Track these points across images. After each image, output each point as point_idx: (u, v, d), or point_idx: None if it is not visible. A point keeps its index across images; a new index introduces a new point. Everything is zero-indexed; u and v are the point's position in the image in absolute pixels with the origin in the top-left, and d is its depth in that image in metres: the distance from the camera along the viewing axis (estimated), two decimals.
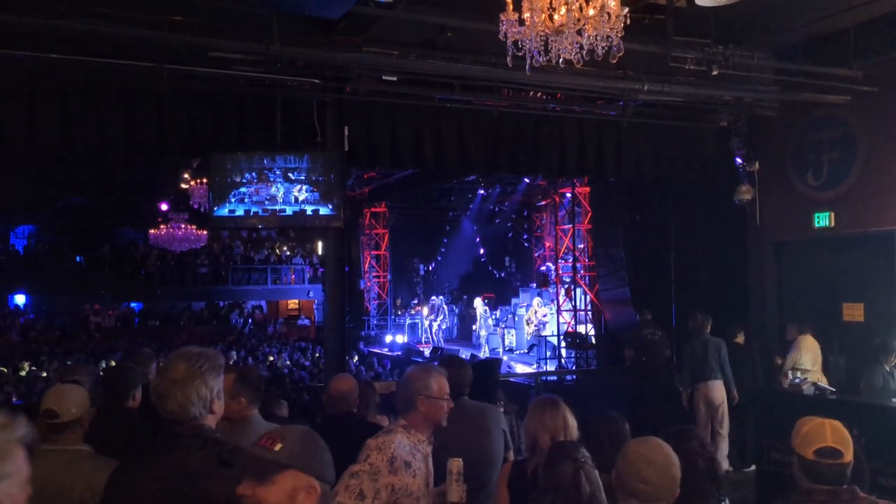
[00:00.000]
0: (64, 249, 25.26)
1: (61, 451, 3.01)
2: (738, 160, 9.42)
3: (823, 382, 7.76)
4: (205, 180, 13.86)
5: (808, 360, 8.35)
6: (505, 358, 15.65)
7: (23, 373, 14.15)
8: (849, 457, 2.69)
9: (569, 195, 16.14)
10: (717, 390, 8.45)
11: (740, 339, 9.03)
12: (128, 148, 7.60)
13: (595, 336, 14.88)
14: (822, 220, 9.12)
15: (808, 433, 2.74)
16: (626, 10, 3.97)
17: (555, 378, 12.37)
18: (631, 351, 10.22)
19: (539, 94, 8.92)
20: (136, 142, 7.54)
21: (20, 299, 24.36)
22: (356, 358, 16.11)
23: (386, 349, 19.41)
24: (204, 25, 6.52)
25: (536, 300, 17.05)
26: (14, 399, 10.44)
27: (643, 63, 7.68)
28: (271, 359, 17.29)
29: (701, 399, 8.53)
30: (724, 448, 8.30)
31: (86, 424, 3.16)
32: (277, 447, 1.84)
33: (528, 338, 16.70)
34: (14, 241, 26.24)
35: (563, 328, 15.68)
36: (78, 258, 25.17)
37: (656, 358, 9.86)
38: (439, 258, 23.44)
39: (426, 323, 19.77)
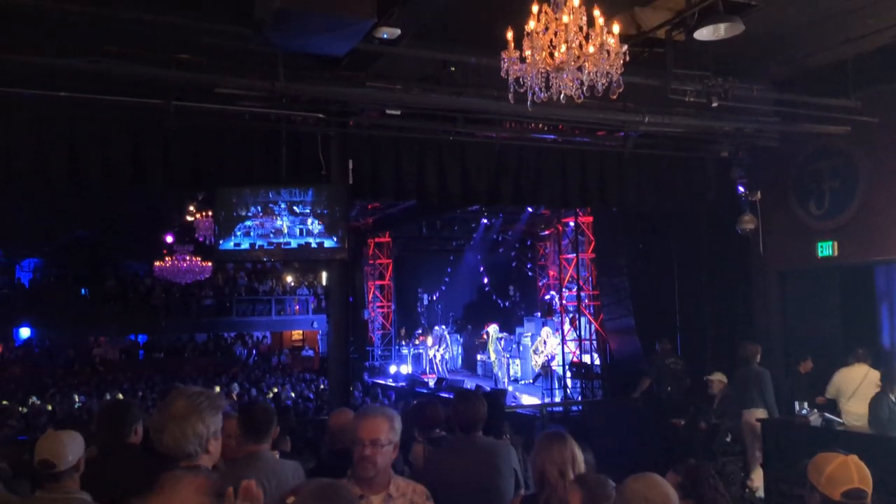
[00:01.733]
0: (69, 282, 25.34)
1: (59, 498, 2.96)
2: (740, 189, 9.47)
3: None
4: (210, 213, 13.96)
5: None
6: (510, 388, 15.59)
7: (25, 409, 14.12)
8: (870, 495, 2.69)
9: (572, 224, 16.18)
10: (756, 418, 8.41)
11: (805, 367, 8.86)
12: (135, 183, 7.68)
13: (601, 366, 14.81)
14: (826, 249, 9.14)
15: (833, 474, 2.71)
16: (625, 47, 4.05)
17: (560, 409, 12.31)
18: (648, 380, 10.14)
19: (541, 125, 9.01)
20: (143, 177, 7.63)
21: (25, 332, 24.37)
22: (360, 389, 16.06)
23: (390, 380, 19.34)
24: (211, 63, 6.62)
25: (546, 330, 16.98)
26: (19, 435, 10.40)
27: (643, 95, 7.77)
28: (275, 390, 17.23)
29: (745, 426, 8.51)
30: (758, 475, 8.22)
31: (82, 466, 3.11)
32: (290, 501, 1.83)
33: (536, 368, 16.62)
34: (20, 274, 26.33)
35: (569, 358, 15.63)
36: (83, 291, 25.23)
37: (680, 388, 9.78)
38: (443, 288, 23.44)
39: (430, 353, 19.72)
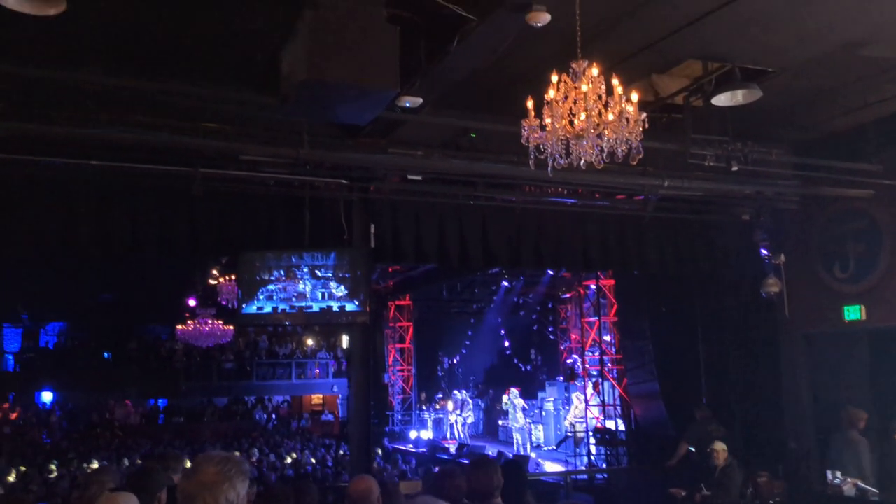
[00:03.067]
0: (92, 346, 25.49)
1: None
2: (763, 252, 9.41)
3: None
4: (233, 277, 14.08)
5: None
6: (533, 455, 15.29)
7: (52, 474, 14.05)
8: None
9: (593, 287, 16.11)
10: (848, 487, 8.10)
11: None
12: (161, 248, 7.81)
13: (625, 432, 14.51)
14: (853, 313, 9.00)
15: None
16: (644, 114, 4.10)
17: (585, 477, 12.02)
18: (685, 445, 9.87)
19: (561, 189, 9.07)
20: (169, 242, 7.76)
21: (47, 396, 24.43)
22: (380, 454, 15.83)
23: (410, 445, 19.06)
24: (236, 131, 6.79)
25: (578, 395, 16.69)
26: (40, 501, 10.31)
27: (663, 159, 7.83)
28: (294, 456, 17.02)
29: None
30: None
31: None
32: None
33: (568, 425, 16.28)
34: (45, 338, 26.55)
35: (592, 424, 15.34)
36: (105, 354, 25.35)
37: None
38: (464, 351, 23.27)
39: (451, 419, 19.46)
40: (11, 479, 13.18)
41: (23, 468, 14.51)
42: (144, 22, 5.71)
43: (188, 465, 4.81)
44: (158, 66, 6.32)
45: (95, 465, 13.98)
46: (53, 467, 14.65)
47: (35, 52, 5.77)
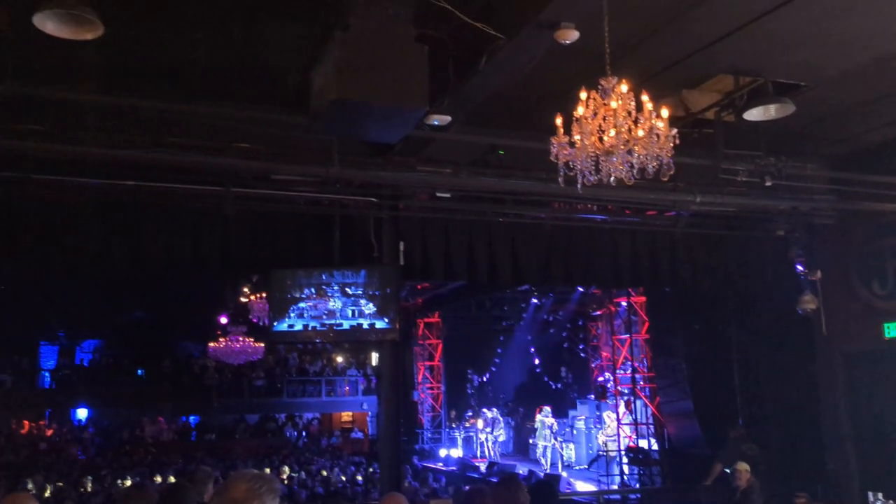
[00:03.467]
0: (126, 363, 25.83)
1: None
2: (799, 268, 9.25)
3: None
4: (264, 294, 14.19)
5: None
6: (564, 474, 15.12)
7: (86, 490, 14.22)
8: None
9: (624, 304, 15.95)
10: None
11: None
12: (194, 266, 7.92)
13: (658, 451, 14.29)
14: (893, 330, 8.80)
15: None
16: (675, 130, 4.06)
17: (618, 497, 11.85)
18: (720, 465, 9.68)
19: (590, 205, 9.02)
20: (202, 260, 7.85)
21: (82, 413, 24.77)
22: (410, 472, 15.76)
23: (440, 463, 18.95)
24: (268, 151, 6.87)
25: (610, 413, 16.49)
26: None
27: (694, 174, 7.75)
28: (324, 473, 17.03)
29: None
30: None
31: None
32: None
33: (601, 444, 16.09)
34: (80, 355, 26.96)
35: (625, 443, 15.13)
36: (139, 371, 25.66)
37: (759, 476, 9.30)
38: (493, 368, 23.14)
39: (481, 437, 19.33)
40: (47, 494, 13.38)
41: (59, 483, 14.72)
42: (178, 44, 5.83)
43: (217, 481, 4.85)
44: (192, 88, 6.44)
45: (129, 482, 14.14)
46: (88, 483, 14.83)
47: (73, 75, 5.90)
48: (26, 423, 23.62)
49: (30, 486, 13.34)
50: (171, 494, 4.50)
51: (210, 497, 4.17)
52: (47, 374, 25.67)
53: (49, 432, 23.37)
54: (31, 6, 4.43)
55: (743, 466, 8.22)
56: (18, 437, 22.88)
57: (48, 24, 4.50)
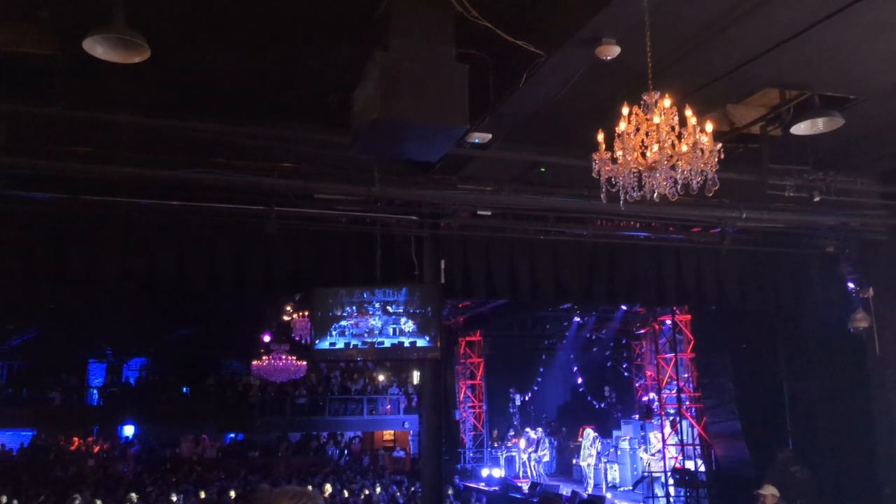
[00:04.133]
0: (172, 381, 26.24)
1: None
2: (850, 286, 8.99)
3: None
4: (306, 313, 14.28)
5: None
6: (608, 495, 14.85)
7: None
8: None
9: (669, 323, 15.69)
10: None
11: None
12: (237, 285, 8.01)
13: (705, 473, 13.96)
14: None
15: None
16: (720, 145, 3.99)
17: None
18: (771, 489, 9.41)
19: (633, 223, 8.92)
20: (245, 279, 7.95)
21: (129, 430, 25.19)
22: (452, 492, 15.63)
23: (482, 483, 18.78)
24: (310, 171, 6.94)
25: (656, 434, 16.15)
26: None
27: (740, 190, 7.61)
28: (367, 492, 17.00)
29: None
30: None
31: None
32: None
33: (646, 465, 15.78)
34: (127, 373, 27.48)
35: (670, 464, 14.82)
36: (185, 389, 26.05)
37: (809, 500, 9.01)
38: (535, 388, 22.91)
39: (524, 456, 19.12)
40: None
41: (98, 501, 14.92)
42: (221, 66, 5.94)
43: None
44: (235, 109, 6.54)
45: (174, 499, 14.31)
46: (134, 498, 15.02)
47: (120, 98, 6.05)
48: (75, 439, 24.09)
49: (77, 502, 13.56)
50: None
51: None
52: (95, 391, 26.21)
53: (96, 449, 23.80)
54: (81, 31, 4.56)
55: (768, 490, 7.98)
56: (67, 453, 23.33)
57: (97, 48, 4.63)
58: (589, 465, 16.99)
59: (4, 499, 15.15)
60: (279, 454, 25.20)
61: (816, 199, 7.37)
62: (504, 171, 7.63)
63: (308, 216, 7.70)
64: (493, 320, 19.03)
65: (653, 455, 15.59)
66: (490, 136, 6.33)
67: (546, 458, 18.97)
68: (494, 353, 22.40)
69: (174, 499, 14.47)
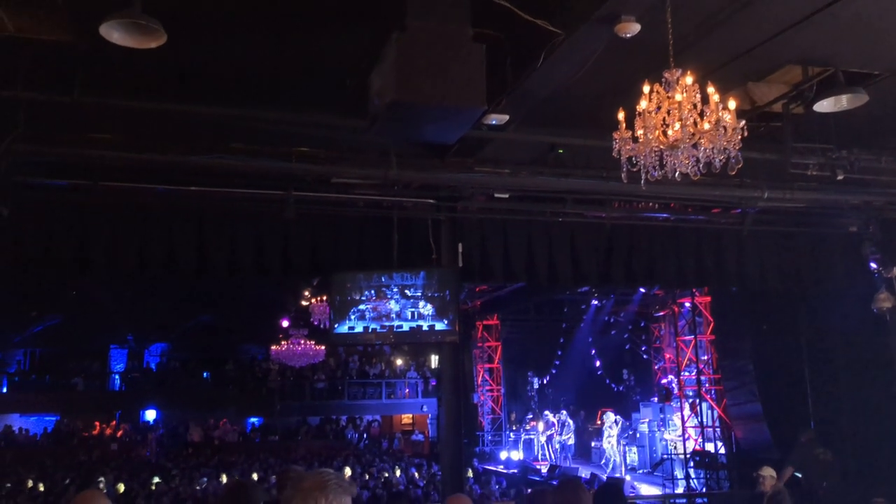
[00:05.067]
0: (192, 366, 26.51)
1: None
2: (873, 265, 8.88)
3: None
4: (324, 298, 14.34)
5: None
6: (628, 478, 14.86)
7: (153, 487, 14.61)
8: None
9: (688, 305, 15.60)
10: None
11: None
12: (257, 270, 8.03)
13: (726, 455, 13.91)
14: None
15: None
16: (743, 122, 3.92)
17: (684, 501, 11.58)
18: (791, 469, 9.34)
19: (652, 204, 8.83)
20: (264, 264, 7.98)
21: (151, 415, 25.50)
22: (470, 474, 15.70)
23: (501, 466, 18.85)
24: (328, 155, 6.93)
25: (677, 416, 16.10)
26: None
27: (762, 169, 7.50)
28: (386, 475, 17.12)
29: None
30: None
31: None
32: None
33: (669, 446, 15.77)
34: (148, 358, 27.79)
35: (690, 446, 14.78)
36: (205, 374, 26.31)
37: (833, 482, 8.95)
38: (553, 371, 22.90)
39: (542, 439, 19.15)
40: (121, 490, 13.83)
41: (120, 485, 15.14)
42: (238, 51, 5.92)
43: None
44: (252, 94, 6.53)
45: (200, 481, 14.50)
46: (156, 481, 15.24)
47: (137, 84, 6.05)
48: (97, 424, 24.44)
49: (101, 485, 13.78)
50: (237, 491, 4.55)
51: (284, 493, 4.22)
52: (117, 376, 26.57)
53: (119, 433, 24.13)
54: (97, 17, 4.55)
55: (767, 472, 7.91)
56: (90, 437, 23.68)
57: (114, 33, 4.62)
58: (612, 445, 17.01)
59: (31, 482, 15.42)
60: (299, 438, 25.43)
61: (840, 177, 7.25)
62: (521, 153, 7.58)
63: (325, 200, 7.70)
64: (510, 304, 19.00)
65: (671, 439, 15.57)
66: (507, 117, 6.27)
67: (571, 441, 18.96)
68: (512, 336, 22.41)
69: (200, 481, 14.65)
